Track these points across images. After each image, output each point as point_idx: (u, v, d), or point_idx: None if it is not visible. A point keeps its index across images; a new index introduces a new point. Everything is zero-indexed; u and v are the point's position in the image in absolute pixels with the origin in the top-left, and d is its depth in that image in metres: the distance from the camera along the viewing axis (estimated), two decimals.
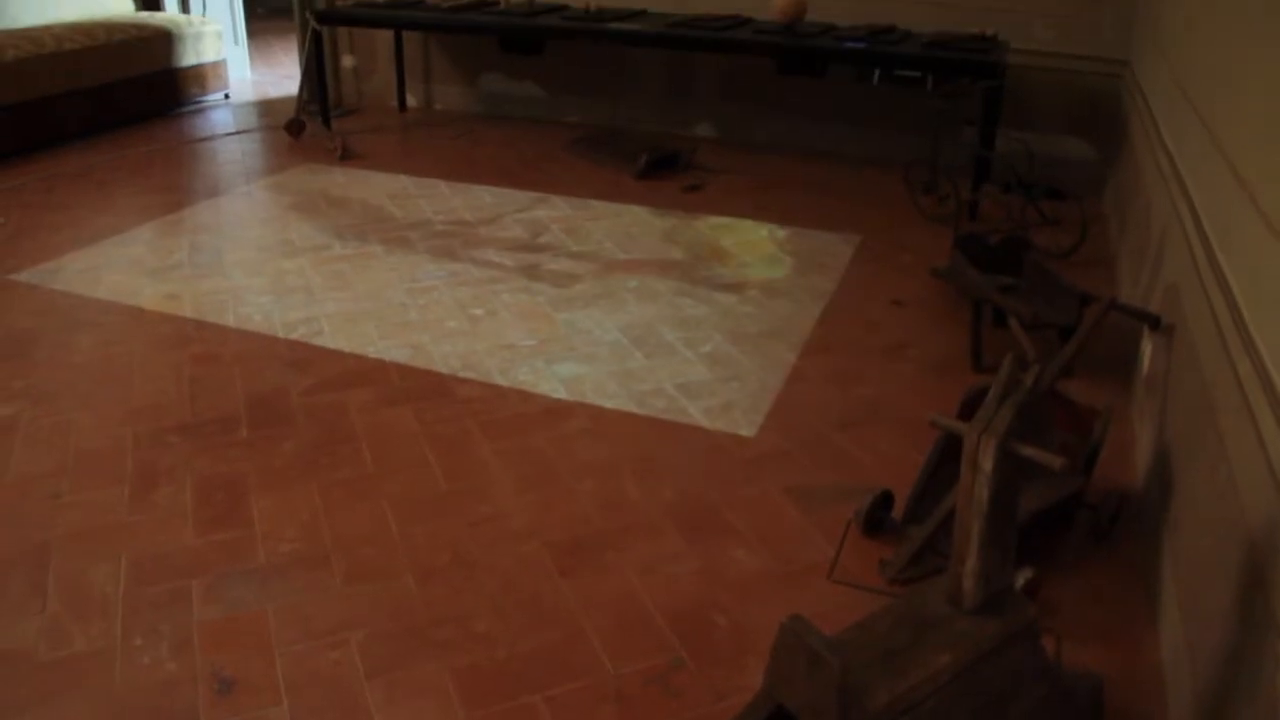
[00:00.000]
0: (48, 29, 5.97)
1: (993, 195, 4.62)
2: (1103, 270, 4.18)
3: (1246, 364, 1.85)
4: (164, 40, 6.55)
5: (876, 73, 5.44)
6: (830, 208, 4.92)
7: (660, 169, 5.40)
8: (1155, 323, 2.87)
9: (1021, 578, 2.17)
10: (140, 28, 6.43)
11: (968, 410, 2.51)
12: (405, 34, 6.65)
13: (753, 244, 4.40)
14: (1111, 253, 4.38)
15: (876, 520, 2.46)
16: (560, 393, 3.12)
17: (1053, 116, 5.40)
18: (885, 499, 2.47)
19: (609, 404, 3.06)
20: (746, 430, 2.93)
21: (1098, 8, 5.17)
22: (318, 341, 3.44)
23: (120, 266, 4.06)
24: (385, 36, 6.73)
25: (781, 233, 4.55)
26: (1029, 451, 1.51)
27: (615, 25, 5.51)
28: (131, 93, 6.35)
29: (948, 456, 2.49)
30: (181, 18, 6.90)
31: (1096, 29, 5.21)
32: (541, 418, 2.99)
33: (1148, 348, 2.99)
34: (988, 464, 1.52)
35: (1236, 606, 1.68)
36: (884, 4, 5.52)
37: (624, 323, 3.61)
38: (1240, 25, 2.52)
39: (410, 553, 2.37)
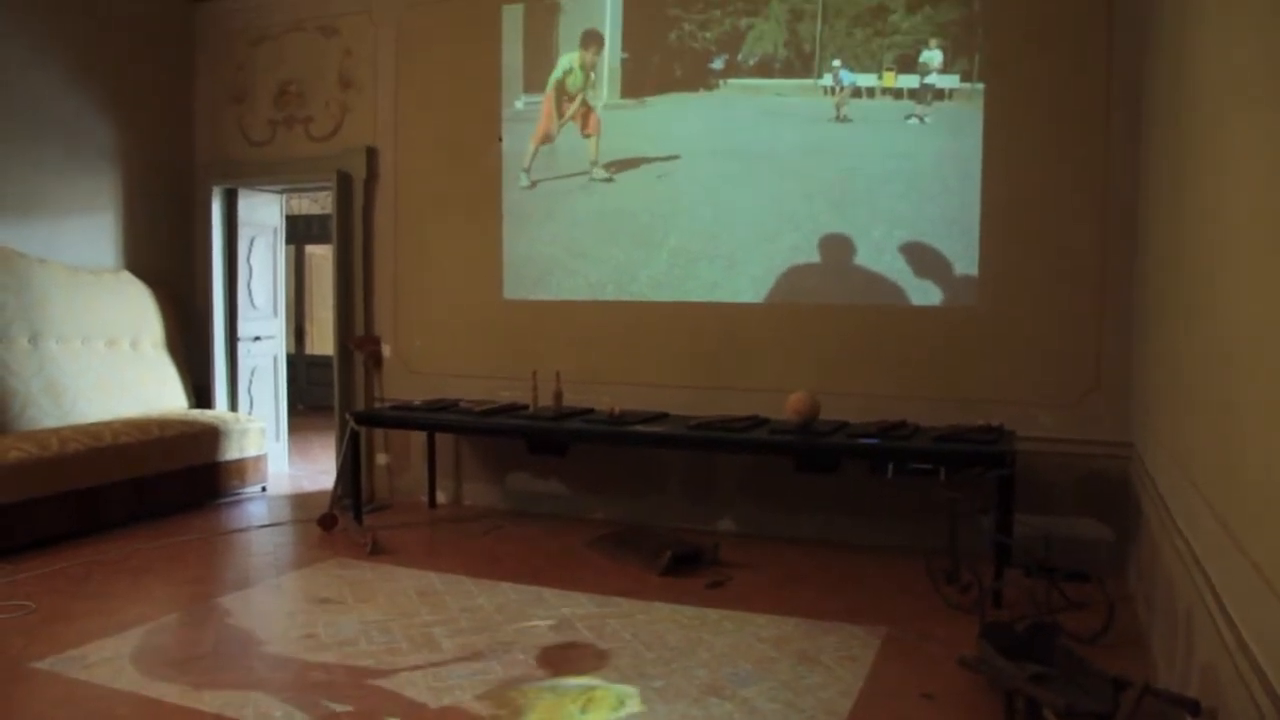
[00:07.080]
0: (109, 425, 6.40)
1: (1016, 581, 4.64)
2: (1135, 651, 4.10)
3: None
4: (211, 436, 6.94)
5: (890, 466, 5.63)
6: (854, 600, 4.92)
7: (683, 565, 5.40)
8: (1195, 708, 2.80)
9: None
10: (190, 424, 6.85)
11: None
12: (437, 434, 6.96)
13: (778, 640, 4.35)
14: (1142, 632, 4.32)
15: None
16: None
17: (1065, 499, 5.54)
18: None
19: None
20: None
21: (1096, 396, 5.48)
22: None
23: (144, 656, 4.04)
24: (419, 436, 7.07)
25: (807, 627, 4.51)
26: None
27: (638, 428, 5.79)
28: (175, 484, 6.66)
29: None
30: (229, 415, 7.35)
31: (1097, 416, 5.48)
32: None
33: None
34: None
35: None
36: (894, 401, 5.85)
37: None
38: (1230, 419, 2.67)
39: None
